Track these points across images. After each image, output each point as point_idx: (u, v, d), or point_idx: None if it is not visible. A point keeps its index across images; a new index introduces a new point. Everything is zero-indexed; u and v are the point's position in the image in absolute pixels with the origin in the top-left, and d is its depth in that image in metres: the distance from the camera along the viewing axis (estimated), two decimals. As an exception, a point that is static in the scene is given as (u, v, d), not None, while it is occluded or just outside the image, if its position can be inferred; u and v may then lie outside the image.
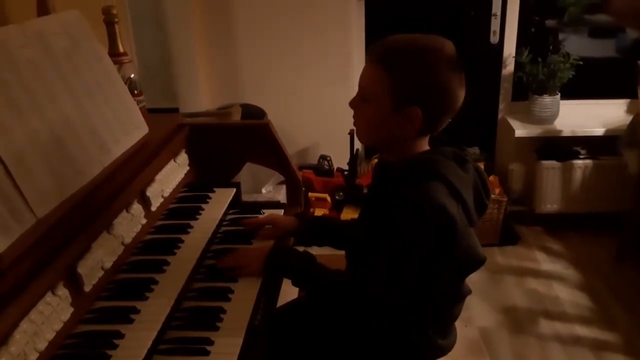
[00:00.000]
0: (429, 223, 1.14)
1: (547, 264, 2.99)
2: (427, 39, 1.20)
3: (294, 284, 1.33)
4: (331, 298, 1.27)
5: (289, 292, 1.49)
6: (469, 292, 1.36)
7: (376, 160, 1.36)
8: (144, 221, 1.40)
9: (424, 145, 1.27)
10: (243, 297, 1.28)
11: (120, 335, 1.07)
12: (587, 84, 3.27)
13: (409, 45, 1.20)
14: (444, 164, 1.20)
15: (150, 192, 1.46)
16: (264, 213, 1.65)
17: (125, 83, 1.58)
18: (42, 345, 0.98)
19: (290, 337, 1.41)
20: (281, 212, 1.67)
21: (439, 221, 1.15)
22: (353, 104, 1.25)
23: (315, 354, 1.37)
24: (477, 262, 1.27)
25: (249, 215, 1.62)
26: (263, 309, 1.28)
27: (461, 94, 1.20)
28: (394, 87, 1.17)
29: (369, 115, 1.23)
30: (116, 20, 1.60)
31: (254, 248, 1.39)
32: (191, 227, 1.46)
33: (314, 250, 1.40)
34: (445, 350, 1.36)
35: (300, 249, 1.52)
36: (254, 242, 1.48)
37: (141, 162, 1.45)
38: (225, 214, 1.60)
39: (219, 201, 1.61)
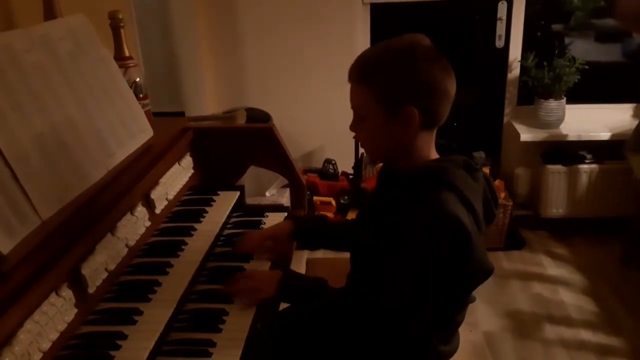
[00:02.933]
0: (443, 234, 1.13)
1: (552, 268, 2.98)
2: (396, 40, 1.22)
3: (300, 310, 1.32)
4: (333, 314, 1.26)
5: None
6: (473, 299, 1.35)
7: (381, 164, 1.36)
8: (148, 224, 1.41)
9: (431, 146, 1.26)
10: (246, 299, 1.29)
11: (124, 337, 1.08)
12: (593, 88, 3.26)
13: (381, 52, 1.21)
14: (454, 173, 1.20)
15: (154, 194, 1.47)
16: (267, 216, 1.65)
17: (131, 87, 1.59)
18: (46, 346, 1.00)
19: (292, 340, 1.41)
20: (284, 215, 1.67)
21: (453, 232, 1.14)
22: (352, 127, 1.27)
23: (317, 357, 1.38)
24: (485, 273, 1.25)
25: (252, 219, 1.63)
26: (266, 312, 1.29)
27: (448, 80, 1.20)
28: (381, 95, 1.19)
29: (369, 131, 1.24)
30: (122, 24, 1.62)
31: (268, 273, 1.36)
32: (195, 229, 1.47)
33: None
34: (448, 356, 1.35)
35: (305, 252, 1.53)
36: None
37: (146, 165, 1.46)
38: (229, 217, 1.61)
39: (223, 204, 1.62)
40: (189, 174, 1.69)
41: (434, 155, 1.27)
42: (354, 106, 1.24)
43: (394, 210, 1.19)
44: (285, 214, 1.69)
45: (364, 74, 1.21)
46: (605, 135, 3.09)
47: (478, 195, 1.23)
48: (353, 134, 1.29)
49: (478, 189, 1.23)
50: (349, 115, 1.28)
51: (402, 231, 1.16)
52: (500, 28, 3.21)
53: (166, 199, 1.53)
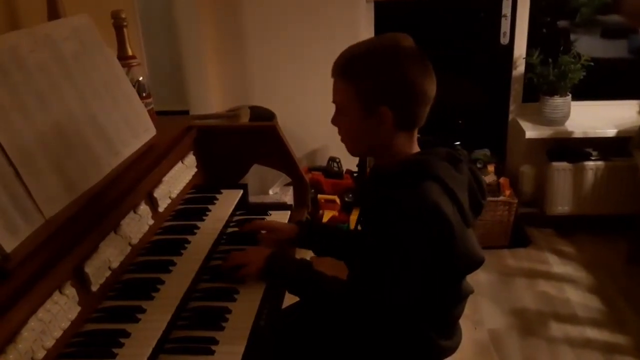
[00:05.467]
0: (425, 223, 1.15)
1: (558, 266, 2.97)
2: (379, 38, 1.24)
3: (290, 291, 1.32)
4: (331, 308, 1.27)
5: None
6: (471, 291, 1.36)
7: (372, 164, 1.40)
8: (151, 222, 1.42)
9: (412, 144, 1.27)
10: (248, 297, 1.29)
11: (127, 334, 1.08)
12: (599, 84, 3.25)
13: (361, 50, 1.23)
14: (436, 165, 1.21)
15: (157, 193, 1.47)
16: (270, 214, 1.66)
17: (134, 86, 1.60)
18: (50, 343, 1.00)
19: (295, 338, 1.42)
20: (287, 214, 1.67)
21: (434, 221, 1.15)
22: (333, 120, 1.29)
23: (319, 355, 1.38)
24: (475, 263, 1.27)
25: (255, 217, 1.63)
26: (268, 310, 1.29)
27: (427, 82, 1.21)
28: (358, 93, 1.21)
29: (347, 126, 1.27)
30: (125, 24, 1.63)
31: (259, 249, 1.40)
32: (198, 228, 1.47)
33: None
34: (450, 351, 1.36)
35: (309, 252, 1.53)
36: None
37: (149, 163, 1.46)
38: (232, 215, 1.62)
39: (226, 202, 1.62)
40: (192, 173, 1.69)
41: (416, 150, 1.28)
42: (335, 100, 1.27)
43: (383, 206, 1.20)
44: (289, 212, 1.69)
45: (344, 69, 1.23)
46: (611, 132, 3.08)
47: (462, 186, 1.24)
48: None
49: (462, 180, 1.24)
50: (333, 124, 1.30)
51: (387, 225, 1.17)
52: (505, 25, 3.20)
53: (169, 197, 1.53)
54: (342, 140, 1.31)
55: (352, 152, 1.35)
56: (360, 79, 1.21)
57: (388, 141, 1.25)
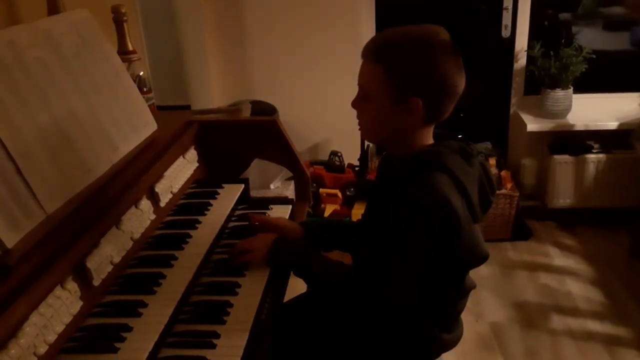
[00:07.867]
0: (430, 214, 1.14)
1: (559, 259, 2.97)
2: (418, 28, 1.20)
3: (296, 273, 1.33)
4: (335, 293, 1.28)
5: (296, 287, 1.50)
6: (474, 286, 1.36)
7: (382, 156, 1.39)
8: (152, 217, 1.42)
9: (429, 137, 1.27)
10: (250, 291, 1.29)
11: (129, 329, 1.09)
12: (601, 77, 3.23)
13: (400, 37, 1.20)
14: (448, 157, 1.20)
15: (159, 188, 1.47)
16: (272, 209, 1.66)
17: (135, 81, 1.60)
18: (52, 338, 1.01)
19: (296, 332, 1.42)
20: (288, 208, 1.67)
21: (440, 212, 1.14)
22: (355, 104, 1.25)
23: (321, 348, 1.38)
24: (479, 259, 1.27)
25: (257, 211, 1.64)
26: (270, 304, 1.30)
27: (459, 78, 1.20)
28: (391, 80, 1.18)
29: (371, 113, 1.23)
30: (125, 18, 1.63)
31: (264, 235, 1.40)
32: (199, 222, 1.48)
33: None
34: (451, 345, 1.36)
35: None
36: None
37: (150, 158, 1.46)
38: (234, 209, 1.62)
39: (228, 197, 1.63)
40: (194, 167, 1.70)
41: (430, 142, 1.27)
42: (362, 84, 1.23)
43: (391, 195, 1.19)
44: (290, 206, 1.69)
45: (379, 54, 1.19)
46: (612, 125, 3.08)
47: (473, 181, 1.23)
48: (357, 121, 1.28)
49: (473, 175, 1.23)
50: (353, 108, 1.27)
51: (395, 214, 1.16)
52: (507, 17, 3.19)
53: (171, 192, 1.53)
54: (360, 124, 1.27)
55: (369, 138, 1.34)
56: (395, 65, 1.17)
57: (409, 132, 1.23)
